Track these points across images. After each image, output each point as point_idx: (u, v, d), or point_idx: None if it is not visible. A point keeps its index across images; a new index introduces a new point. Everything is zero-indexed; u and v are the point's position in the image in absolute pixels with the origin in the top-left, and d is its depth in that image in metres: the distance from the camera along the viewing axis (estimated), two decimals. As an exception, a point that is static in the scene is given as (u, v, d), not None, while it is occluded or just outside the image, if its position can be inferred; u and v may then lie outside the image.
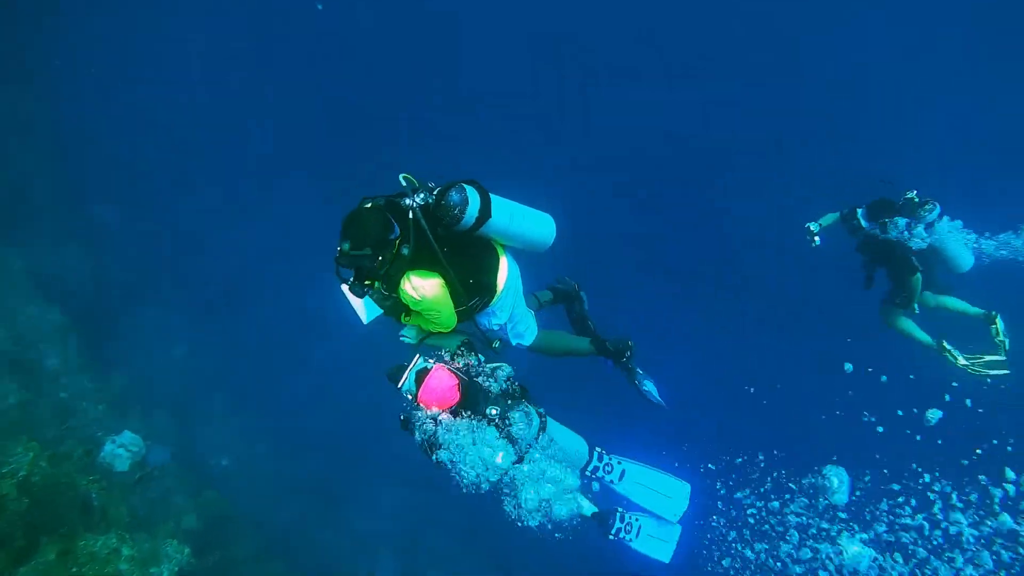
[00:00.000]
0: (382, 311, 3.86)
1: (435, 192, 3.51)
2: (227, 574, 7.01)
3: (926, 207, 5.81)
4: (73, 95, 12.96)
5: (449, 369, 3.52)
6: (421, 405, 3.46)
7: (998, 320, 6.11)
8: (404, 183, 3.54)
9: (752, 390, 10.72)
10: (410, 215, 3.41)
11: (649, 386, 4.70)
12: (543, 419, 3.93)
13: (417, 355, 3.63)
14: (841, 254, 6.76)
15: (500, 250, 3.91)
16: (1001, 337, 6.07)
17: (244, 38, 16.31)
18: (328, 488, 11.38)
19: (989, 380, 6.06)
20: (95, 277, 10.71)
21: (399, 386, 3.53)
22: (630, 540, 4.37)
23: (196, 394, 11.42)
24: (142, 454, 8.69)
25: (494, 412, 3.57)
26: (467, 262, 3.63)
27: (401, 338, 4.11)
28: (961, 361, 6.10)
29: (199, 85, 15.82)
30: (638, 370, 4.68)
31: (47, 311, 8.97)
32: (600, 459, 4.40)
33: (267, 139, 15.79)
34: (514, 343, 4.26)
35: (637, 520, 4.41)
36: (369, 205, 3.41)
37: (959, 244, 6.07)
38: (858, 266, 6.69)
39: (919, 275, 6.07)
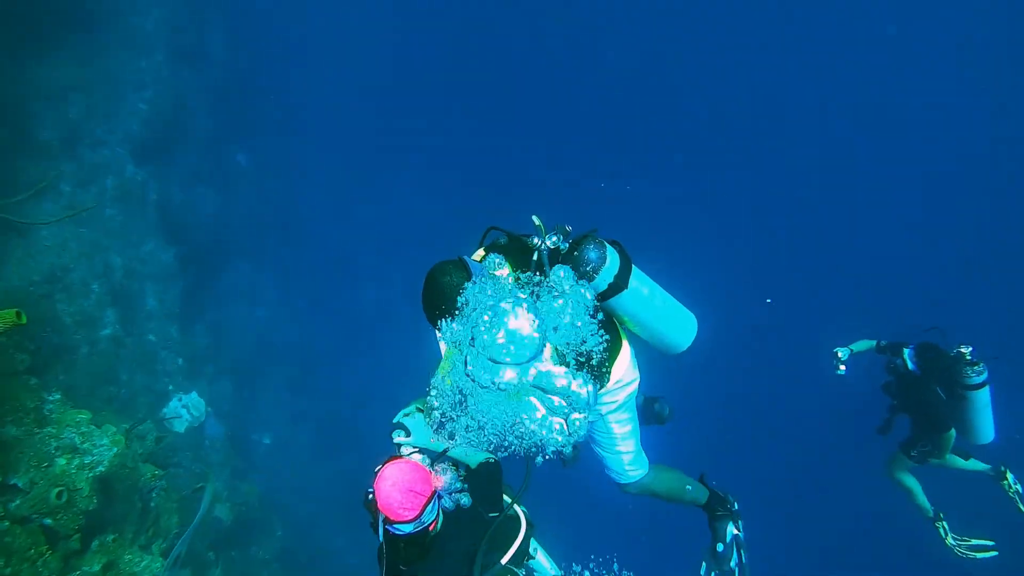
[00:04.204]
0: None
1: (570, 239, 2.93)
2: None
3: (976, 367, 5.20)
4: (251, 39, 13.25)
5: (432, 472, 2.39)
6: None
7: (1008, 475, 5.71)
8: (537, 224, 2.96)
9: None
10: (535, 256, 2.85)
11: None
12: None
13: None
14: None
15: (623, 334, 3.22)
16: (1015, 490, 5.70)
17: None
18: (355, 492, 11.14)
19: (977, 559, 5.75)
20: (215, 223, 10.83)
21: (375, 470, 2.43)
22: None
23: (261, 362, 11.44)
24: (201, 420, 8.73)
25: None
26: None
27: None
28: (949, 540, 5.77)
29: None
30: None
31: (162, 250, 9.09)
32: None
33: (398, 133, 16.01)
34: (618, 478, 3.47)
35: None
36: (452, 263, 2.65)
37: (987, 414, 5.42)
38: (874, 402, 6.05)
39: (952, 433, 5.50)
